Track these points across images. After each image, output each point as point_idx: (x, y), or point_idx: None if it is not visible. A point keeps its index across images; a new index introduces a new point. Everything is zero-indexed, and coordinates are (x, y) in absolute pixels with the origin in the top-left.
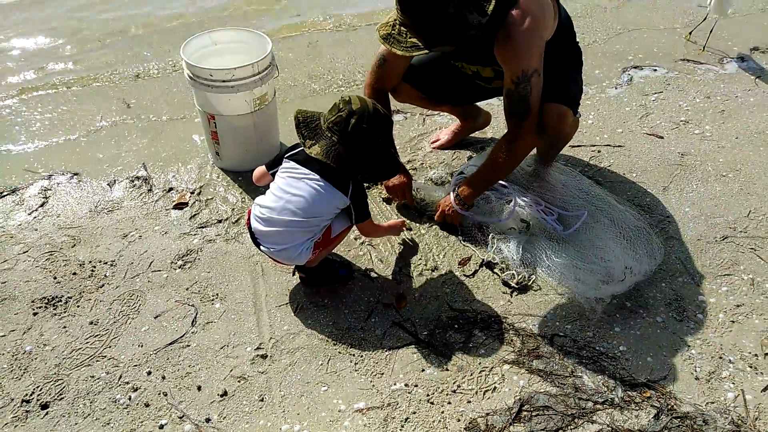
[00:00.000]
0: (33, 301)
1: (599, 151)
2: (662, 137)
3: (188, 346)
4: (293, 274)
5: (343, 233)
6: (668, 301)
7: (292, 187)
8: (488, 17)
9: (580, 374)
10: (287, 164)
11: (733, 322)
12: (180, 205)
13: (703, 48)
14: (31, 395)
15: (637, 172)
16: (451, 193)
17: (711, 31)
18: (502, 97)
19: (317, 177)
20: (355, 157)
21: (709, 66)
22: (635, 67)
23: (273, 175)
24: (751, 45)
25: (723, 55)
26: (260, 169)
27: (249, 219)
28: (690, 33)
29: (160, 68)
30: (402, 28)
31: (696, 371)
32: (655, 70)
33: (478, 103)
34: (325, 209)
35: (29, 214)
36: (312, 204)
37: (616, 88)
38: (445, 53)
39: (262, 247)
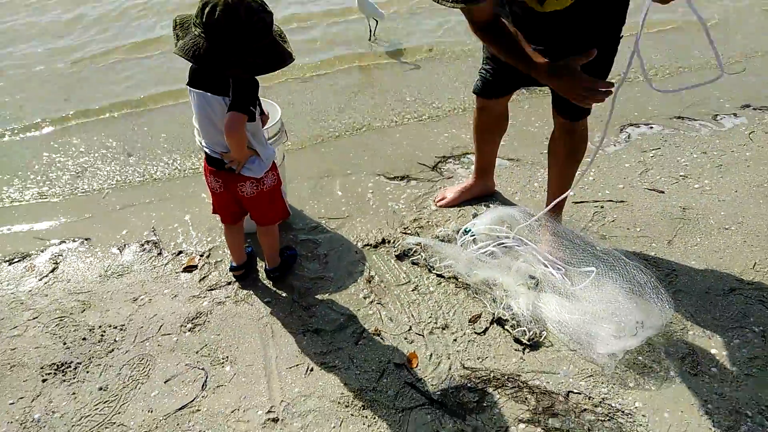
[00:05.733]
0: (42, 368)
1: (602, 207)
2: (663, 192)
3: (198, 410)
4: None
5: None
6: (681, 355)
7: (196, 115)
8: None
9: (597, 431)
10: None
11: (747, 375)
12: (189, 268)
13: None
14: None
15: (641, 227)
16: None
17: None
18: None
19: (198, 92)
20: (218, 48)
21: (704, 123)
22: (632, 125)
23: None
24: (743, 102)
25: (716, 112)
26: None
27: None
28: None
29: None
30: None
31: (714, 426)
32: (651, 127)
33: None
34: (219, 119)
35: (39, 280)
36: (208, 122)
37: (614, 146)
38: None
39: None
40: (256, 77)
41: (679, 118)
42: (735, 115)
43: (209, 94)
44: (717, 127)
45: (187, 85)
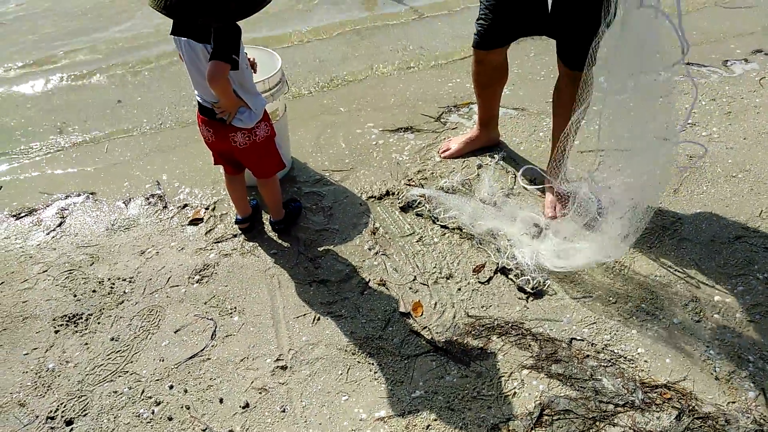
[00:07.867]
0: (54, 319)
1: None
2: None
3: (209, 359)
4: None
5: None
6: (685, 302)
7: (185, 63)
8: None
9: (599, 377)
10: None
11: (750, 321)
12: (195, 221)
13: None
14: (55, 412)
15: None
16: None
17: None
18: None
19: (183, 39)
20: None
21: (714, 69)
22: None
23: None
24: (754, 48)
25: (726, 57)
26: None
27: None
28: None
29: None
30: None
31: (716, 371)
32: (660, 74)
33: None
34: (205, 68)
35: (47, 234)
36: (196, 71)
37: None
38: None
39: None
40: (238, 23)
41: (688, 64)
42: (746, 60)
43: (192, 41)
44: (727, 74)
45: (171, 33)
